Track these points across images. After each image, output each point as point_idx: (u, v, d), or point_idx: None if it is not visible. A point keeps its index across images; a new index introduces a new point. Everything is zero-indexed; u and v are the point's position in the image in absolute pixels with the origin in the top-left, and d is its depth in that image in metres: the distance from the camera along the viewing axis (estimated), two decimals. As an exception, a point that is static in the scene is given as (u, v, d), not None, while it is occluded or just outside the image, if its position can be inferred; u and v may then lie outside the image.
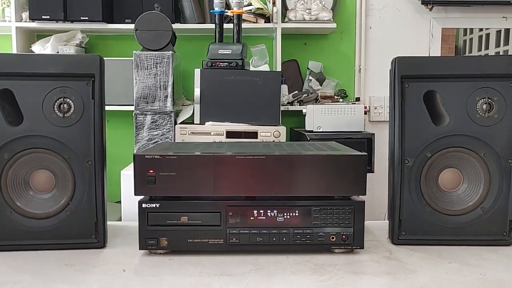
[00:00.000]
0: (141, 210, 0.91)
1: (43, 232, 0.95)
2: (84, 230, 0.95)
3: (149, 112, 2.01)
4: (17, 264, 0.87)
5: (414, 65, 0.99)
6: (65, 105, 0.94)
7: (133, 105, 2.05)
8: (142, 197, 0.92)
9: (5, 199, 0.94)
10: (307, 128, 2.21)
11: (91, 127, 0.95)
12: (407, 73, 0.98)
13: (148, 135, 2.00)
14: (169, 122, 2.01)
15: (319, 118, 2.16)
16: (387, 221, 1.01)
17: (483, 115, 0.97)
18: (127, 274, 0.83)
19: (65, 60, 0.95)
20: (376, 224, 1.12)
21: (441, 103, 0.98)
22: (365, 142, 2.08)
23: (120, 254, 0.92)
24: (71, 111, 0.95)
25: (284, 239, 0.91)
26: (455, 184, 0.99)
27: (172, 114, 2.03)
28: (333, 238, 0.91)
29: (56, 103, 0.94)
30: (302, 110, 2.28)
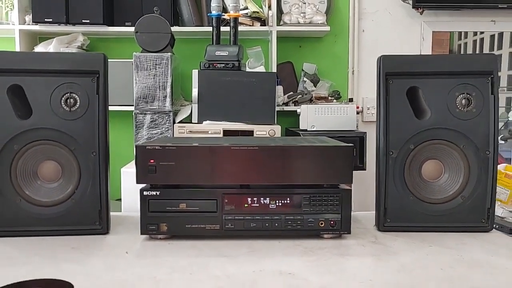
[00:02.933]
0: (142, 197, 0.97)
1: (50, 219, 1.00)
2: (89, 217, 1.01)
3: (148, 112, 2.07)
4: (26, 248, 0.93)
5: (398, 63, 1.05)
6: (72, 100, 1.01)
7: (132, 105, 2.11)
8: (143, 185, 0.98)
9: (15, 188, 1.00)
10: (301, 128, 2.28)
11: (96, 121, 1.01)
12: (391, 71, 1.04)
13: (148, 134, 2.06)
14: (168, 121, 2.08)
15: (313, 117, 2.23)
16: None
17: (462, 109, 1.04)
18: (130, 256, 0.89)
19: (71, 58, 1.02)
20: (364, 214, 1.18)
21: (423, 98, 1.04)
22: (357, 140, 2.15)
23: (122, 240, 0.98)
24: (77, 105, 1.01)
25: (276, 225, 0.97)
26: (437, 174, 1.05)
27: (171, 114, 2.09)
28: (322, 224, 0.97)
29: (63, 98, 1.00)
30: (296, 110, 2.35)
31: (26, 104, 1.00)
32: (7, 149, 0.99)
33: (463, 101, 1.04)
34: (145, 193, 0.97)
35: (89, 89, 1.01)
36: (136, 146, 0.96)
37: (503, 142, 3.88)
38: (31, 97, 1.00)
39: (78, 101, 1.01)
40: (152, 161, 0.96)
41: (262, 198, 0.97)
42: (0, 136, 0.98)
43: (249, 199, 0.97)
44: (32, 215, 1.00)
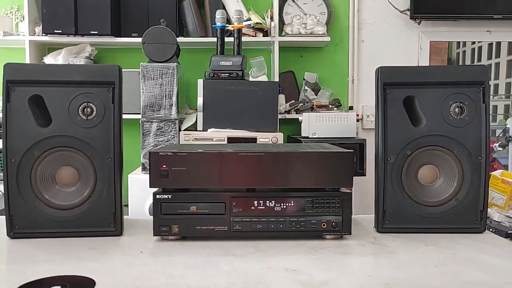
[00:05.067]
0: (155, 200, 1.02)
1: (67, 221, 1.06)
2: (104, 219, 1.07)
3: (155, 120, 2.14)
4: (46, 248, 0.99)
5: (395, 74, 1.12)
6: (88, 109, 1.07)
7: (139, 113, 2.18)
8: (156, 189, 1.04)
9: (35, 192, 1.05)
10: (303, 135, 2.34)
11: (111, 128, 1.07)
12: (389, 81, 1.11)
13: (154, 141, 2.13)
14: (173, 129, 2.14)
15: (314, 125, 2.29)
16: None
17: (455, 117, 1.10)
18: (144, 255, 0.95)
19: (89, 70, 1.08)
20: (364, 217, 1.24)
21: (418, 107, 1.11)
22: (358, 147, 2.21)
23: (136, 241, 1.04)
24: (94, 114, 1.07)
25: (281, 226, 1.03)
26: (433, 179, 1.11)
27: (177, 122, 2.16)
28: (324, 225, 1.03)
29: (80, 107, 1.07)
30: (298, 118, 2.41)
31: (46, 113, 1.06)
32: (27, 155, 1.05)
33: (456, 109, 1.10)
34: (158, 196, 1.02)
35: (105, 98, 1.08)
36: (149, 152, 1.02)
37: (501, 149, 3.93)
38: (51, 106, 1.06)
39: (95, 110, 1.07)
40: (164, 166, 1.02)
41: (267, 201, 1.03)
42: (22, 143, 1.04)
43: (255, 202, 1.03)
44: (50, 217, 1.06)
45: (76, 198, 1.07)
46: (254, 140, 2.13)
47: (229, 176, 1.02)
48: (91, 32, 2.44)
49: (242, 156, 1.03)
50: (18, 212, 1.05)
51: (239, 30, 2.35)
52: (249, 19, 2.60)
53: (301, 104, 2.67)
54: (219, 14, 2.32)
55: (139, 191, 2.04)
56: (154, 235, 1.02)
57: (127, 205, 2.08)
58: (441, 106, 1.10)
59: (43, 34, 2.46)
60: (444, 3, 2.75)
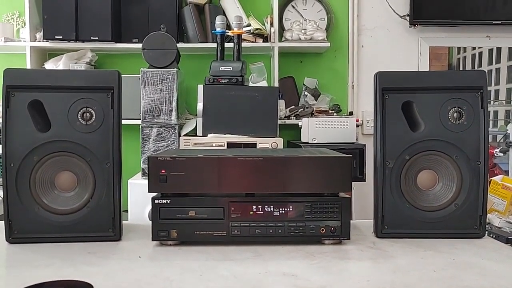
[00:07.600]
0: (154, 205, 1.03)
1: (66, 226, 1.06)
2: (103, 224, 1.07)
3: (155, 125, 2.14)
4: (46, 253, 0.99)
5: (393, 79, 1.12)
6: (88, 114, 1.07)
7: (139, 118, 2.18)
8: (155, 194, 1.05)
9: (34, 197, 1.06)
10: (303, 140, 2.34)
11: (110, 133, 1.07)
12: (387, 86, 1.11)
13: (154, 146, 2.13)
14: (173, 134, 2.15)
15: (314, 130, 2.30)
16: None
17: (454, 122, 1.10)
18: (142, 259, 0.95)
19: (88, 75, 1.09)
20: (363, 222, 1.24)
21: (417, 112, 1.11)
22: (357, 152, 2.21)
23: (135, 245, 1.04)
24: (93, 119, 1.07)
25: (279, 231, 1.03)
26: (431, 184, 1.11)
27: (176, 127, 2.16)
28: (323, 230, 1.03)
29: (79, 112, 1.07)
30: (298, 124, 2.41)
31: (45, 118, 1.06)
32: (27, 160, 1.05)
33: (455, 114, 1.10)
34: (156, 201, 1.02)
35: (104, 104, 1.08)
36: (148, 157, 1.02)
37: (502, 154, 3.91)
38: (50, 111, 1.06)
39: (94, 115, 1.08)
40: (163, 171, 1.02)
41: (266, 206, 1.03)
42: (21, 148, 1.05)
43: (254, 207, 1.03)
44: (49, 222, 1.06)
45: (75, 203, 1.07)
46: (254, 145, 2.14)
47: (227, 181, 1.02)
48: (92, 38, 2.46)
49: (240, 161, 1.03)
50: (17, 217, 1.05)
51: (239, 35, 2.36)
52: (249, 25, 2.62)
53: (301, 109, 2.67)
54: (219, 20, 2.33)
55: (139, 196, 2.04)
56: (152, 240, 1.02)
57: (126, 211, 2.08)
58: (439, 111, 1.10)
59: (44, 40, 2.47)
60: (444, 9, 2.76)
